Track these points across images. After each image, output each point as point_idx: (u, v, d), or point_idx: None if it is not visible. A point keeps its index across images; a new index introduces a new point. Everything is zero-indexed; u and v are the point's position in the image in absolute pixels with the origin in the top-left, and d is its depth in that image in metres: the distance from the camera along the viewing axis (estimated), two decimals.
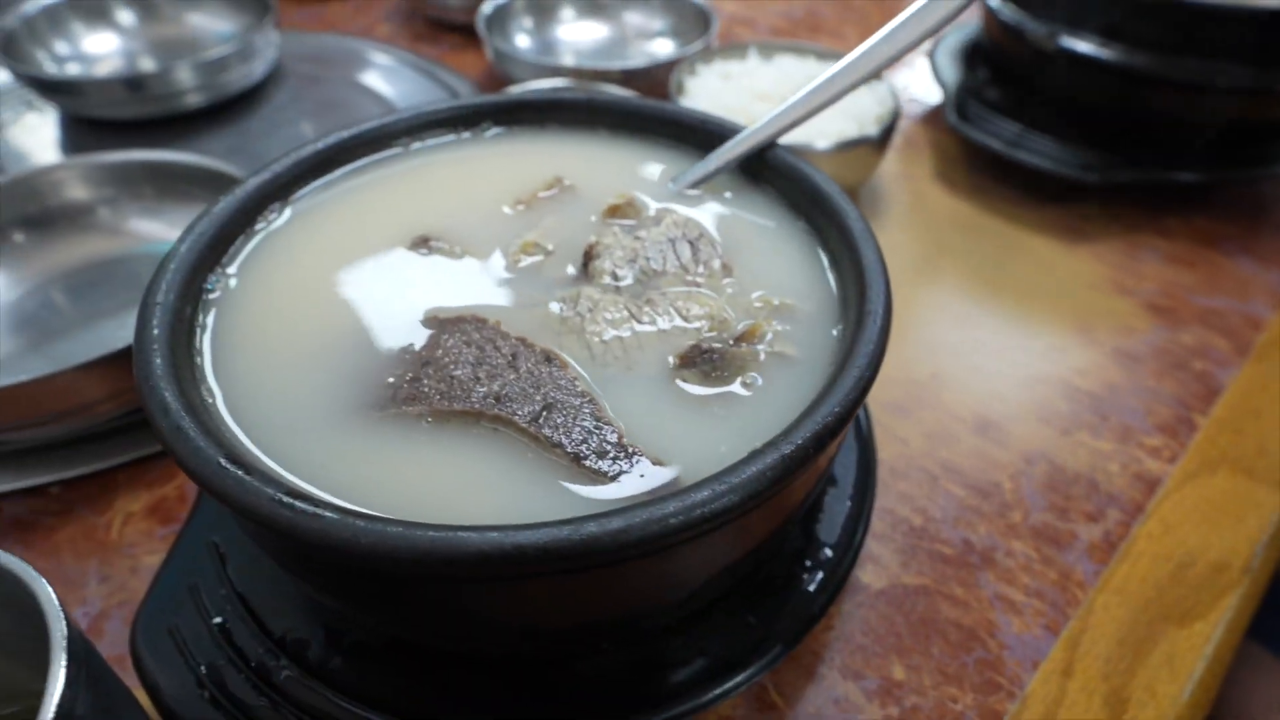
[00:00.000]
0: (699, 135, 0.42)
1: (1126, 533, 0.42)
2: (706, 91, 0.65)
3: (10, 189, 0.51)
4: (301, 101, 0.76)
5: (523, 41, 0.82)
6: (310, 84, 0.78)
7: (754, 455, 0.25)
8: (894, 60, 0.39)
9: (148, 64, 0.79)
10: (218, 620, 0.32)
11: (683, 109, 0.42)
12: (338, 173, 0.40)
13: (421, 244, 0.36)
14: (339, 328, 0.32)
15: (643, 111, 0.43)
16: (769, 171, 0.40)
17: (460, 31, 0.90)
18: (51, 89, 0.67)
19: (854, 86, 0.39)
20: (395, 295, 0.34)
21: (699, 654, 0.32)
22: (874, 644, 0.37)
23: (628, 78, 0.70)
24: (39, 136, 0.71)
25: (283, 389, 0.29)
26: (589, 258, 0.35)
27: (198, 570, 0.34)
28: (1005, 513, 0.43)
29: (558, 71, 0.71)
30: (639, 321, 0.32)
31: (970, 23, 0.82)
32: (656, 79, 0.71)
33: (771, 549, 0.33)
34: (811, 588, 0.34)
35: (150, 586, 0.33)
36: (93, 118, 0.70)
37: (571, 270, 0.35)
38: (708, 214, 0.39)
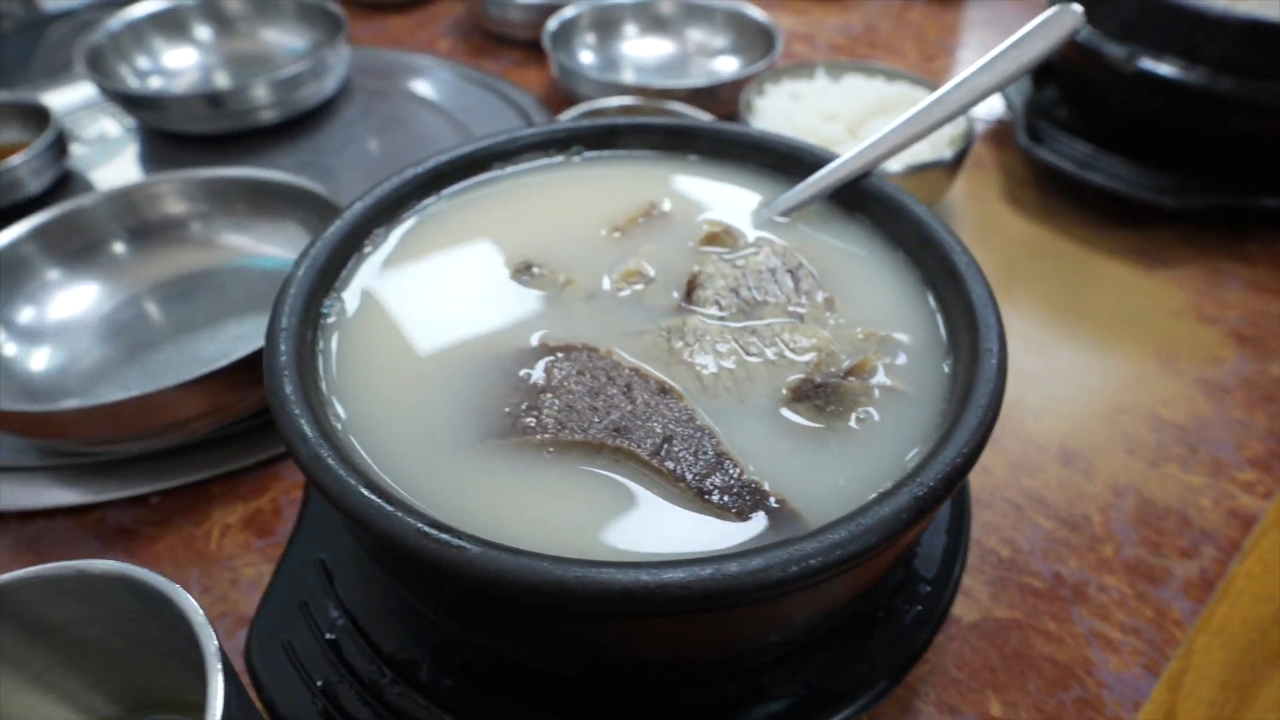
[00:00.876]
0: (790, 162, 0.42)
1: (1224, 571, 0.41)
2: (776, 111, 0.65)
3: (111, 202, 0.53)
4: (369, 117, 0.77)
5: (586, 58, 0.83)
6: (377, 99, 0.80)
7: (885, 496, 0.25)
8: (993, 92, 0.39)
9: (223, 78, 0.81)
10: (329, 637, 0.33)
11: (773, 136, 0.42)
12: (435, 197, 0.41)
13: (524, 270, 0.36)
14: (452, 354, 0.33)
15: (734, 137, 0.43)
16: (863, 200, 0.40)
17: (521, 46, 0.91)
18: (135, 104, 0.69)
19: (950, 119, 0.39)
20: (504, 321, 0.34)
21: (803, 686, 0.32)
22: (969, 679, 0.37)
23: (693, 96, 0.70)
24: (118, 147, 0.73)
25: (402, 415, 0.30)
26: (692, 286, 0.35)
27: (307, 586, 0.34)
28: (1096, 546, 0.42)
29: (622, 89, 0.71)
30: (746, 353, 0.32)
31: None
32: (721, 97, 0.72)
33: (879, 583, 0.33)
34: (911, 621, 0.34)
35: (261, 601, 0.34)
36: (171, 131, 0.72)
37: (674, 297, 0.35)
38: (801, 242, 0.39)
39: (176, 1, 0.80)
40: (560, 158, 0.44)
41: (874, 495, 0.26)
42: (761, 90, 0.68)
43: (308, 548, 0.36)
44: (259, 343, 0.48)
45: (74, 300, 0.51)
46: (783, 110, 0.65)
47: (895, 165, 0.59)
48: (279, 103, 0.71)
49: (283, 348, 0.29)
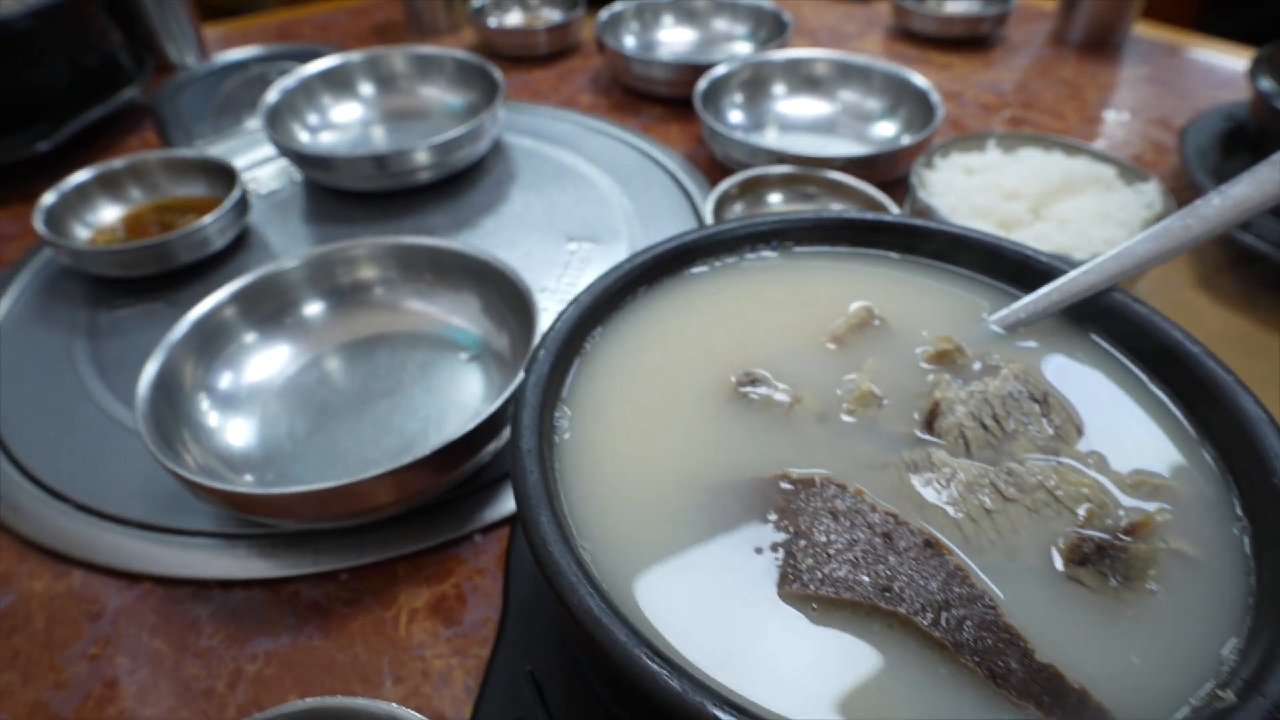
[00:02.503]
0: (1017, 268, 0.39)
1: None
2: (949, 187, 0.62)
3: (309, 265, 0.55)
4: (518, 175, 0.78)
5: (735, 117, 0.82)
6: (525, 157, 0.81)
7: (1232, 709, 0.22)
8: (1265, 207, 0.35)
9: (381, 133, 0.84)
10: None
11: (999, 239, 0.40)
12: (643, 293, 0.40)
13: (748, 382, 0.35)
14: (685, 479, 0.31)
15: (951, 238, 0.41)
16: (1103, 316, 0.37)
17: (661, 103, 0.91)
18: (307, 161, 0.72)
19: (1209, 235, 0.36)
20: (735, 442, 0.33)
21: None
22: None
23: (851, 165, 0.68)
24: (285, 201, 0.76)
25: (641, 551, 0.29)
26: (932, 414, 0.33)
27: (519, 699, 0.34)
28: None
29: (775, 156, 0.70)
30: (1005, 498, 0.30)
31: (1224, 102, 0.75)
32: (880, 167, 0.70)
33: None
34: None
35: (473, 714, 0.34)
36: (335, 187, 0.75)
37: (911, 424, 0.33)
38: (1036, 361, 0.36)
39: (345, 59, 0.84)
40: (752, 255, 0.43)
41: (1200, 699, 0.24)
42: (930, 163, 0.66)
43: (513, 658, 0.35)
44: (448, 424, 0.49)
45: (266, 364, 0.53)
46: (957, 186, 0.62)
47: (1082, 253, 0.55)
48: (437, 164, 0.73)
49: (532, 476, 0.29)
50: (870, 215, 0.42)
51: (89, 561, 0.45)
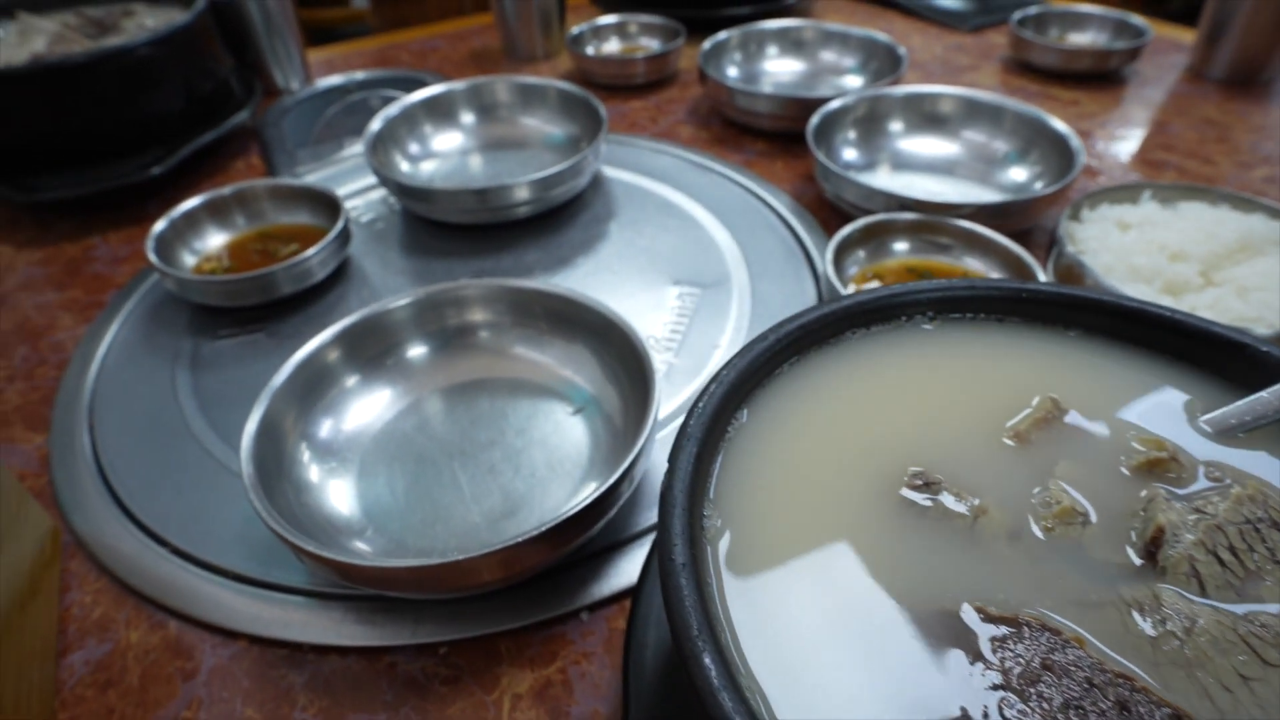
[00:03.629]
0: (1228, 354, 0.34)
1: None
2: (1103, 244, 0.56)
3: (416, 305, 0.53)
4: (618, 212, 0.76)
5: (849, 154, 0.78)
6: (624, 192, 0.79)
7: None
8: None
9: (478, 162, 0.83)
10: None
11: (1203, 320, 0.34)
12: (786, 366, 0.36)
13: (920, 485, 0.31)
14: (855, 606, 0.27)
15: (1149, 318, 0.35)
16: None
17: (764, 137, 0.88)
18: (407, 193, 0.71)
19: None
20: (909, 560, 0.28)
21: None
22: None
23: (982, 214, 0.63)
24: (382, 229, 0.75)
25: (812, 694, 0.25)
26: (1155, 543, 0.28)
27: None
28: None
29: (900, 202, 0.65)
30: (1266, 661, 0.24)
31: None
32: (1013, 216, 0.64)
33: None
34: None
35: None
36: (432, 219, 0.74)
37: (1127, 549, 0.28)
38: (1272, 478, 0.30)
39: (449, 87, 0.83)
40: (907, 322, 0.38)
41: None
42: (1077, 215, 0.60)
43: None
44: (553, 487, 0.46)
45: (366, 409, 0.51)
46: (1112, 244, 0.56)
47: (1264, 327, 0.48)
48: (536, 199, 0.71)
49: (689, 599, 0.25)
50: (1061, 289, 0.37)
51: (185, 614, 0.43)
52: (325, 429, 0.49)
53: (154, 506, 0.48)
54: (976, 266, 0.61)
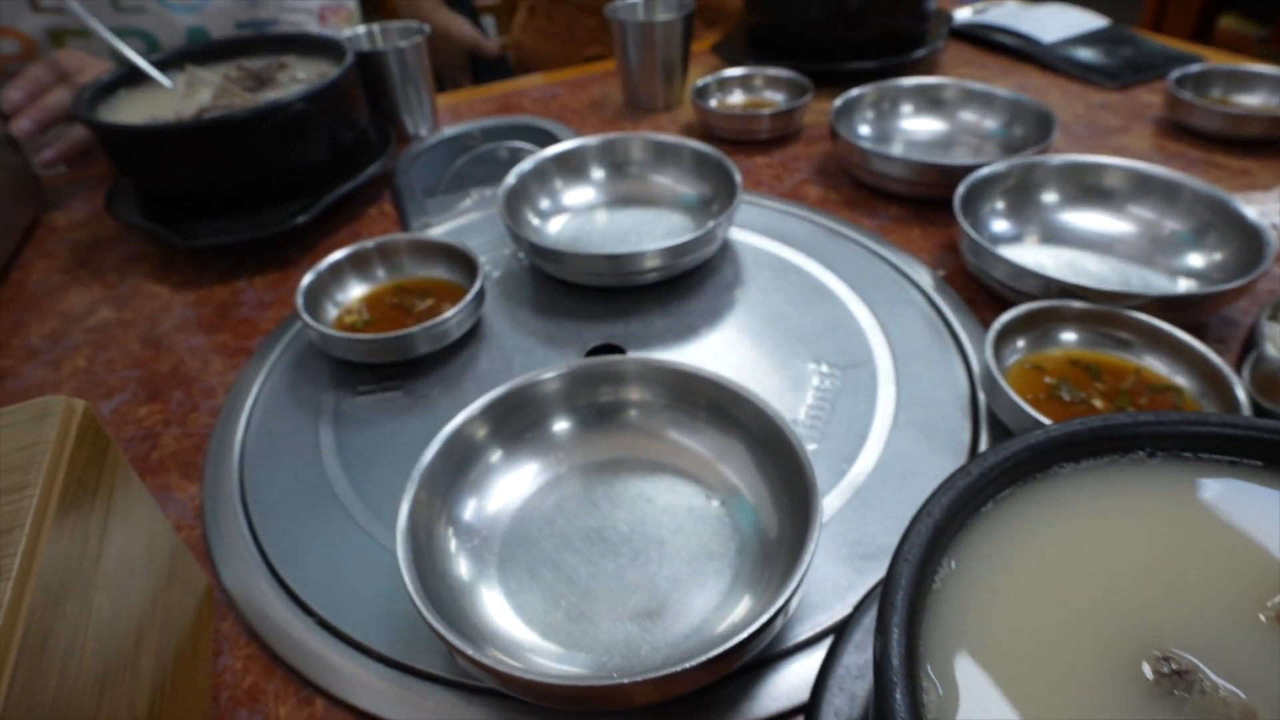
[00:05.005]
0: None
1: None
2: None
3: (567, 378, 0.52)
4: (748, 280, 0.74)
5: (998, 225, 0.74)
6: (754, 257, 0.77)
7: None
8: None
9: (605, 217, 0.83)
10: None
11: None
12: (987, 508, 0.33)
13: (1170, 672, 0.27)
14: None
15: None
16: None
17: (899, 201, 0.84)
18: (539, 253, 0.71)
19: None
20: None
21: None
22: None
23: (1157, 307, 0.58)
24: (512, 287, 0.76)
25: None
26: None
27: None
28: None
29: (1056, 286, 0.60)
30: None
31: None
32: (1190, 309, 0.59)
33: None
34: None
35: None
36: (561, 279, 0.74)
37: None
38: None
39: (582, 143, 0.84)
40: (1140, 458, 0.34)
41: None
42: (1277, 315, 0.54)
43: None
44: (699, 592, 0.43)
45: (509, 488, 0.50)
46: None
47: None
48: (667, 265, 0.70)
49: None
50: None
51: (332, 693, 0.43)
52: (469, 510, 0.48)
53: (300, 571, 0.49)
54: (1154, 365, 0.56)
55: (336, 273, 0.70)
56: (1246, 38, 3.00)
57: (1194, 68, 0.96)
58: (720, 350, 0.65)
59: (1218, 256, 0.66)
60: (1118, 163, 0.73)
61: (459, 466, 0.48)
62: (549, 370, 0.52)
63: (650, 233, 0.79)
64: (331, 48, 0.97)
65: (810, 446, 0.55)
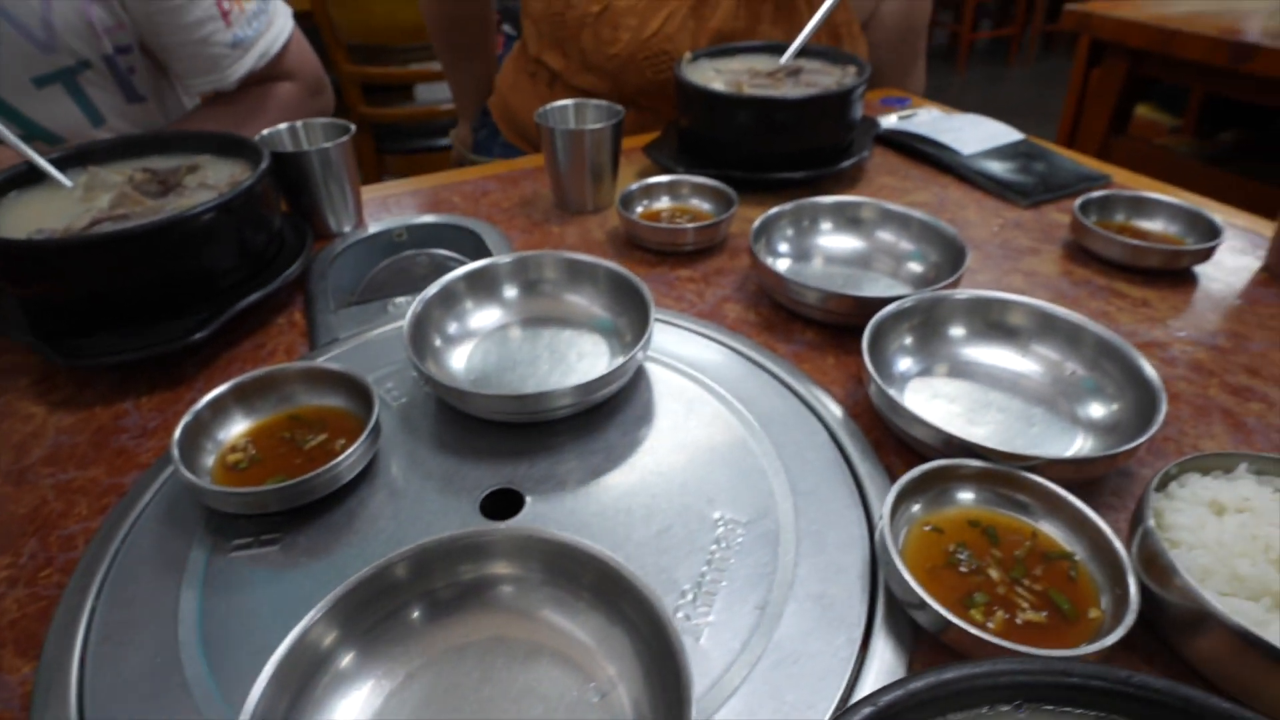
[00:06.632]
0: None
1: None
2: (1200, 539, 0.50)
3: (418, 561, 0.49)
4: (658, 415, 0.72)
5: (904, 364, 0.74)
6: (666, 388, 0.75)
7: None
8: None
9: (517, 339, 0.80)
10: None
11: None
12: None
13: None
14: None
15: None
16: None
17: (814, 326, 0.85)
18: (445, 391, 0.68)
19: None
20: None
21: None
22: None
23: (1054, 469, 0.58)
24: (412, 419, 0.73)
25: None
26: None
27: None
28: None
29: (961, 445, 0.60)
30: None
31: None
32: (1085, 468, 0.59)
33: None
34: None
35: None
36: (468, 413, 0.71)
37: None
38: None
39: (493, 262, 0.82)
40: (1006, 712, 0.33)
41: None
42: (1166, 488, 0.54)
43: None
44: None
45: (361, 697, 0.46)
46: (1208, 536, 0.50)
47: None
48: (579, 402, 0.68)
49: None
50: (1166, 689, 0.32)
51: None
52: None
53: None
54: (1050, 530, 0.56)
55: (219, 409, 0.66)
56: (1160, 126, 3.20)
57: (1097, 194, 1.00)
58: (622, 498, 0.63)
59: (1115, 407, 0.67)
60: (1022, 300, 0.74)
61: (304, 680, 0.44)
62: (398, 554, 0.48)
63: (564, 357, 0.78)
64: (248, 150, 0.95)
65: (703, 620, 0.53)
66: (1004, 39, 6.55)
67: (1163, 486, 0.54)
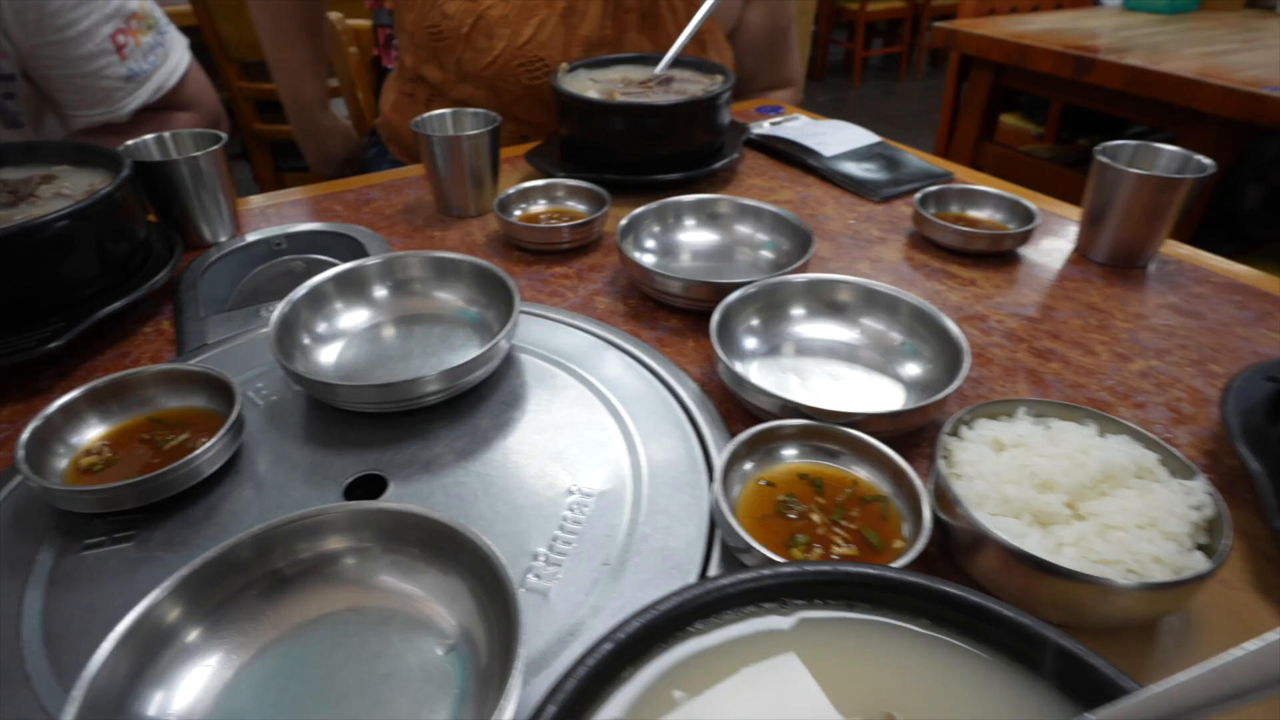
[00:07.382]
0: (1053, 660, 0.34)
1: None
2: (980, 470, 0.58)
3: (260, 540, 0.50)
4: (527, 400, 0.75)
5: (750, 343, 0.80)
6: (534, 375, 0.79)
7: None
8: None
9: (389, 336, 0.83)
10: None
11: (1046, 632, 0.35)
12: (624, 679, 0.36)
13: None
14: None
15: (989, 615, 0.36)
16: None
17: (679, 315, 0.90)
18: (310, 385, 0.70)
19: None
20: None
21: None
22: None
23: (872, 423, 0.65)
24: (281, 414, 0.74)
25: None
26: None
27: None
28: None
29: (791, 407, 0.66)
30: None
31: (1262, 350, 0.72)
32: (901, 422, 0.66)
33: None
34: None
35: None
36: (337, 407, 0.73)
37: None
38: None
39: (361, 264, 0.84)
40: (771, 615, 0.38)
41: None
42: (957, 431, 0.62)
43: None
44: None
45: (209, 673, 0.47)
46: (987, 469, 0.57)
47: (1126, 578, 0.49)
48: (446, 388, 0.71)
49: None
50: (888, 574, 0.38)
51: None
52: (155, 707, 0.45)
53: None
54: (867, 476, 0.62)
55: (71, 413, 0.66)
56: (1025, 134, 3.49)
57: (934, 188, 1.10)
58: (483, 476, 0.66)
59: (931, 367, 0.75)
60: (850, 280, 0.82)
61: (148, 653, 0.45)
62: (241, 536, 0.50)
63: (435, 351, 0.80)
64: (108, 159, 0.93)
65: (552, 582, 0.56)
66: (894, 56, 6.96)
67: (955, 431, 0.62)
